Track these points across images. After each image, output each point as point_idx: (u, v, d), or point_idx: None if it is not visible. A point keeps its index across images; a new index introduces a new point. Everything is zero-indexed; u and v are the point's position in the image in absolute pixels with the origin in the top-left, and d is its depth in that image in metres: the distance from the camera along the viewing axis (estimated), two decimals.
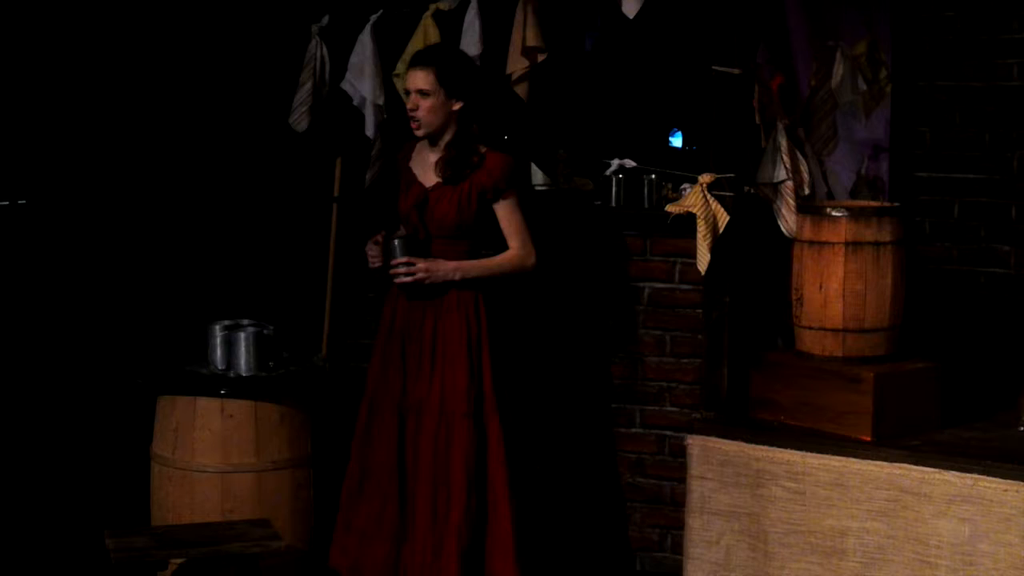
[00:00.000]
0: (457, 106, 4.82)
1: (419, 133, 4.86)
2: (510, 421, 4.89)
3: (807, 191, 4.99)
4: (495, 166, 4.83)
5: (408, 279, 4.77)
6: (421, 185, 4.89)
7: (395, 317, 4.92)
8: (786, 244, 4.97)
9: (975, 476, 4.39)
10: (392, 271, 4.81)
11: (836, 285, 4.79)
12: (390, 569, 4.86)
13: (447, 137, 4.86)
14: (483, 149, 4.87)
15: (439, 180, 4.85)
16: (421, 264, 4.78)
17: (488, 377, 4.83)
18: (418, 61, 4.87)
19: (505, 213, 4.85)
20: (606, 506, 5.53)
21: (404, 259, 4.78)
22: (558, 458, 5.57)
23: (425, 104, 4.79)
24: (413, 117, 4.82)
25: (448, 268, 4.80)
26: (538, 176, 6.00)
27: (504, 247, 4.88)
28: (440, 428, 4.80)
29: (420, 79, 4.80)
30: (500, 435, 4.83)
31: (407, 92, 4.86)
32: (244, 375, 5.12)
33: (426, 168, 4.90)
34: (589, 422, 5.54)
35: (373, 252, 4.95)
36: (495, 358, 4.85)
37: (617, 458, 5.52)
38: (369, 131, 5.58)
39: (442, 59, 4.87)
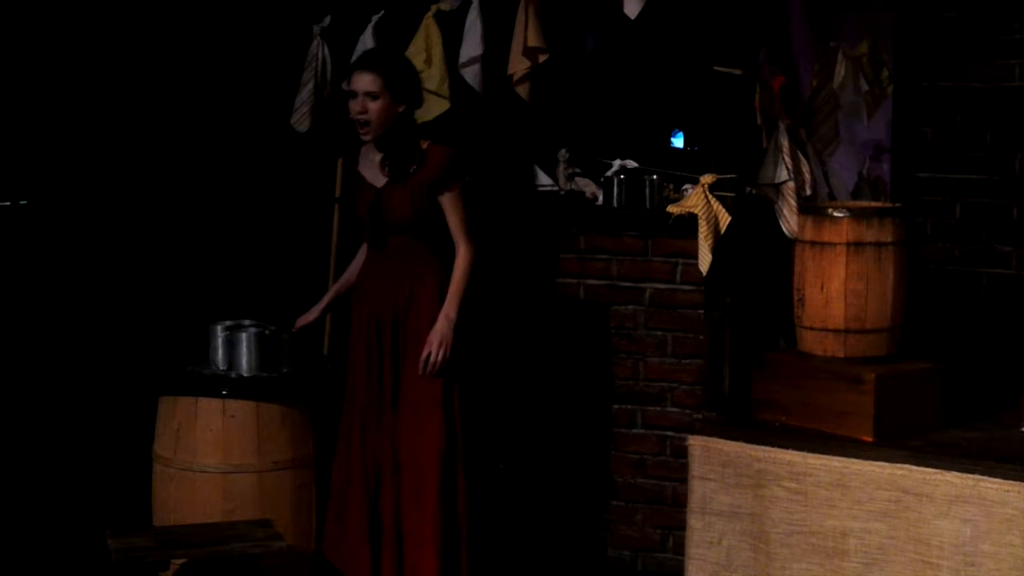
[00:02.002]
0: (401, 109, 4.87)
1: (367, 138, 4.90)
2: (510, 414, 4.94)
3: (808, 192, 4.99)
4: (440, 159, 4.88)
5: (436, 364, 4.83)
6: (372, 186, 4.94)
7: (363, 318, 4.97)
8: (787, 245, 4.97)
9: (976, 477, 4.39)
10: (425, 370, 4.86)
11: (837, 285, 4.79)
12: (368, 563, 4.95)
13: (388, 138, 4.90)
14: (425, 145, 4.91)
15: (387, 179, 4.90)
16: (432, 347, 4.82)
17: (453, 369, 4.89)
18: (364, 64, 4.92)
19: (448, 206, 4.88)
20: (607, 506, 5.53)
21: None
22: (559, 458, 5.57)
23: (374, 107, 4.83)
24: (362, 121, 4.86)
25: (444, 322, 4.83)
26: (540, 177, 6.00)
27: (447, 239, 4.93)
28: (414, 418, 4.88)
29: (368, 82, 4.84)
30: (463, 427, 4.90)
31: (353, 95, 4.88)
32: (245, 375, 5.12)
33: (373, 169, 4.96)
34: (591, 423, 5.53)
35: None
36: (463, 349, 4.90)
37: (619, 458, 5.52)
38: None
39: (388, 64, 4.92)
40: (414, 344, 4.88)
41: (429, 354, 4.82)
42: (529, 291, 5.59)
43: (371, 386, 4.95)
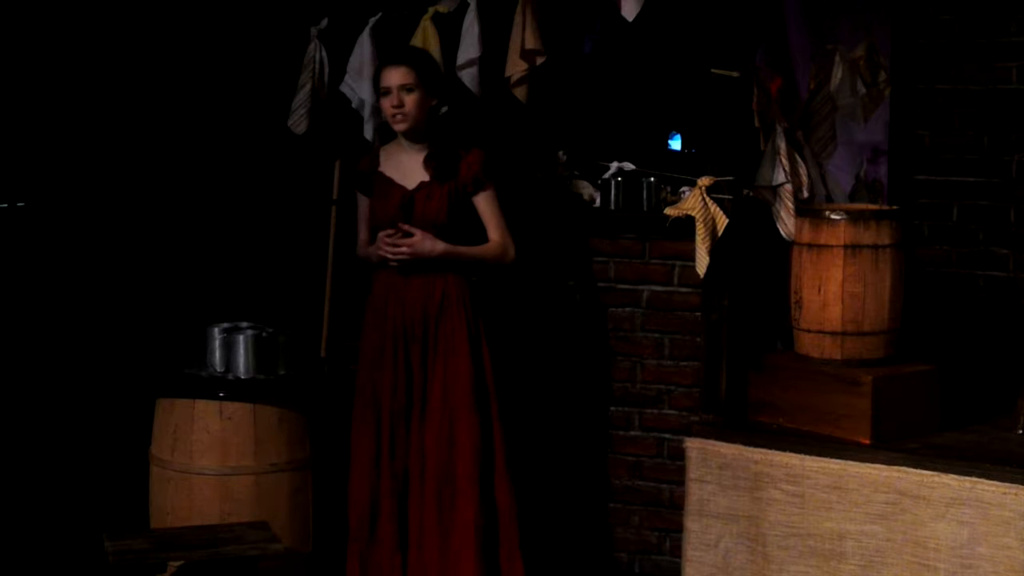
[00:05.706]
0: (433, 103, 4.89)
1: (401, 127, 4.87)
2: (509, 416, 4.92)
3: (806, 194, 5.00)
4: (474, 159, 4.89)
5: (395, 253, 4.80)
6: (401, 187, 4.91)
7: (387, 325, 4.91)
8: (785, 247, 4.98)
9: (974, 479, 4.40)
10: (380, 251, 4.85)
11: (835, 288, 4.80)
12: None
13: (425, 137, 4.91)
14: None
15: (425, 180, 4.88)
16: (407, 240, 4.80)
17: (488, 370, 4.87)
18: (395, 59, 4.93)
19: (485, 205, 4.90)
20: (605, 509, 5.53)
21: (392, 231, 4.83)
22: (557, 461, 5.57)
23: (410, 99, 4.84)
24: (398, 115, 4.85)
25: (435, 244, 4.81)
26: (537, 179, 5.99)
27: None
28: (444, 424, 4.82)
29: (402, 75, 4.85)
30: (502, 429, 4.87)
31: (386, 92, 4.87)
32: (243, 377, 5.12)
33: (404, 170, 4.94)
34: (588, 425, 5.53)
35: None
36: (493, 352, 4.89)
37: (616, 461, 5.51)
38: (368, 133, 5.58)
39: (418, 57, 4.98)
40: (444, 352, 4.83)
41: (398, 241, 4.79)
42: (526, 293, 5.58)
43: (398, 396, 4.87)
